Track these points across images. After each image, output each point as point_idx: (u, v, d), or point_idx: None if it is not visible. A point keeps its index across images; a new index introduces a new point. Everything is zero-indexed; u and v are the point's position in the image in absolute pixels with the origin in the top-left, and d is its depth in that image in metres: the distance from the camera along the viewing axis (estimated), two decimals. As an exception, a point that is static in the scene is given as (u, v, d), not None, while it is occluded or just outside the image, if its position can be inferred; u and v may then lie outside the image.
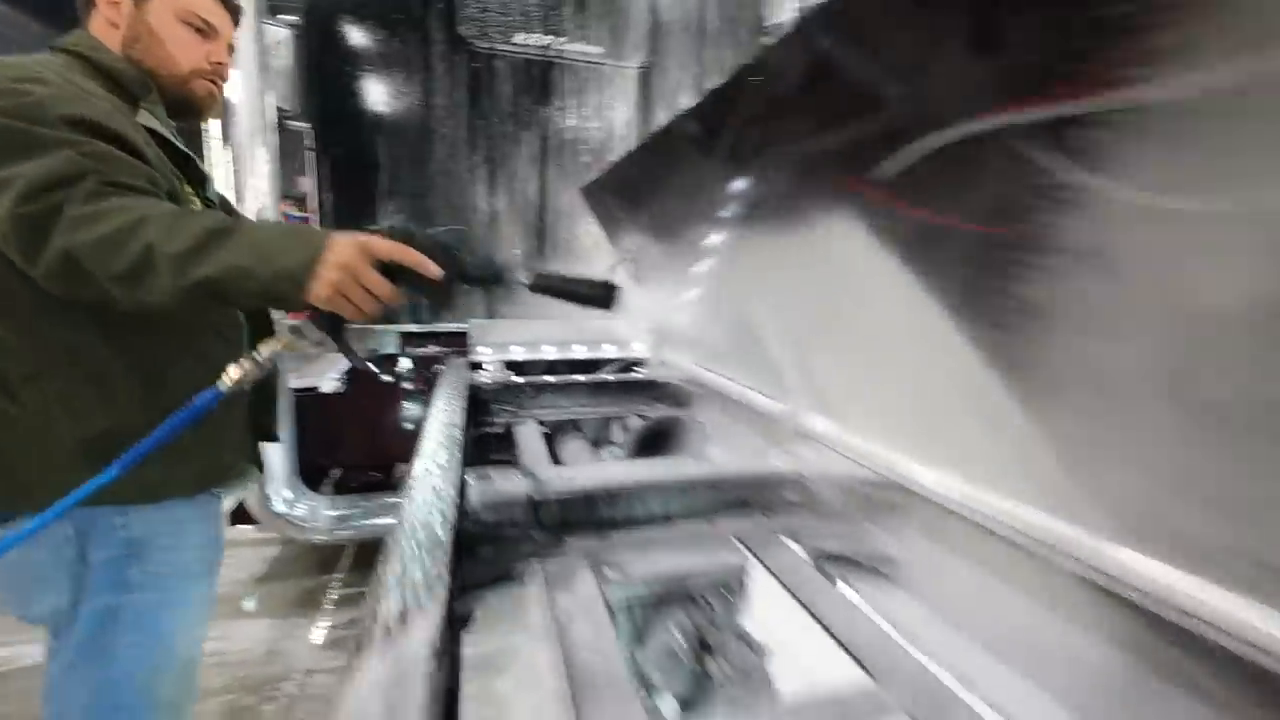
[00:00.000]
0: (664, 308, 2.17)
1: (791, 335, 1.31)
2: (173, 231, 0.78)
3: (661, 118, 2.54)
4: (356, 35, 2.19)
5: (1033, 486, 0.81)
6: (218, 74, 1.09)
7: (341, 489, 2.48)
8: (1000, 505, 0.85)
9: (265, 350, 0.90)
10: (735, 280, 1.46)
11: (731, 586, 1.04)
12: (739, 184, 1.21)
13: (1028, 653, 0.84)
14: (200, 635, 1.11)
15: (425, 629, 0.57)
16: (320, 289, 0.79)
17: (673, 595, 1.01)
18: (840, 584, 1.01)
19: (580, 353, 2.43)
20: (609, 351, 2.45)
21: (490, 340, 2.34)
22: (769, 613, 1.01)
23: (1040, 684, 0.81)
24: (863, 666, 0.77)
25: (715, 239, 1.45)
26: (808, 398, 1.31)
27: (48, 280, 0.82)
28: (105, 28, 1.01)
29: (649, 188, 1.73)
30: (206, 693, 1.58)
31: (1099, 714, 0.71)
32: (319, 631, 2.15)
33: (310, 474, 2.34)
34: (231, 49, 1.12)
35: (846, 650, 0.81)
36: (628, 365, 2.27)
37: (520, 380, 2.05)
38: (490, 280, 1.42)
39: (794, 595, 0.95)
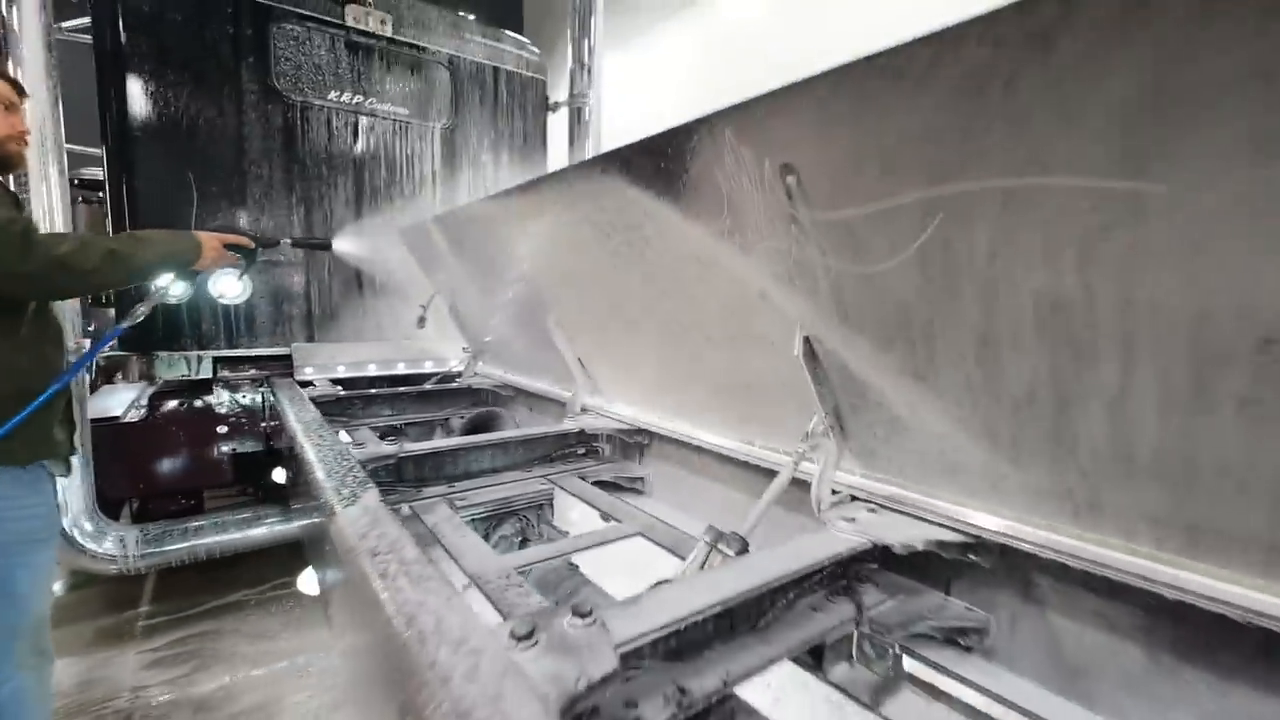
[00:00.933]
0: (476, 329, 2.61)
1: (573, 343, 1.89)
2: (119, 240, 1.37)
3: (465, 173, 3.00)
4: (162, 69, 2.27)
5: (722, 420, 1.47)
6: (22, 138, 1.41)
7: (142, 518, 2.42)
8: (705, 435, 1.51)
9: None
10: (532, 306, 1.99)
11: (542, 505, 1.56)
12: (531, 239, 1.75)
13: (721, 509, 1.51)
14: (49, 595, 1.29)
15: (374, 495, 1.00)
16: (206, 256, 1.55)
17: (503, 513, 1.49)
18: (611, 495, 1.59)
19: (402, 369, 2.75)
20: (429, 366, 2.81)
21: (314, 361, 2.55)
22: (567, 514, 1.55)
23: (715, 519, 1.48)
24: (614, 518, 1.36)
25: (515, 276, 1.97)
26: (585, 384, 1.89)
27: (35, 279, 1.19)
28: None
29: (465, 239, 2.18)
30: None
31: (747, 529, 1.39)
32: (137, 657, 2.12)
33: (107, 505, 2.27)
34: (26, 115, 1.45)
35: (606, 514, 1.39)
36: (447, 377, 2.65)
37: (349, 394, 2.32)
38: (271, 244, 2.03)
39: (582, 500, 1.51)
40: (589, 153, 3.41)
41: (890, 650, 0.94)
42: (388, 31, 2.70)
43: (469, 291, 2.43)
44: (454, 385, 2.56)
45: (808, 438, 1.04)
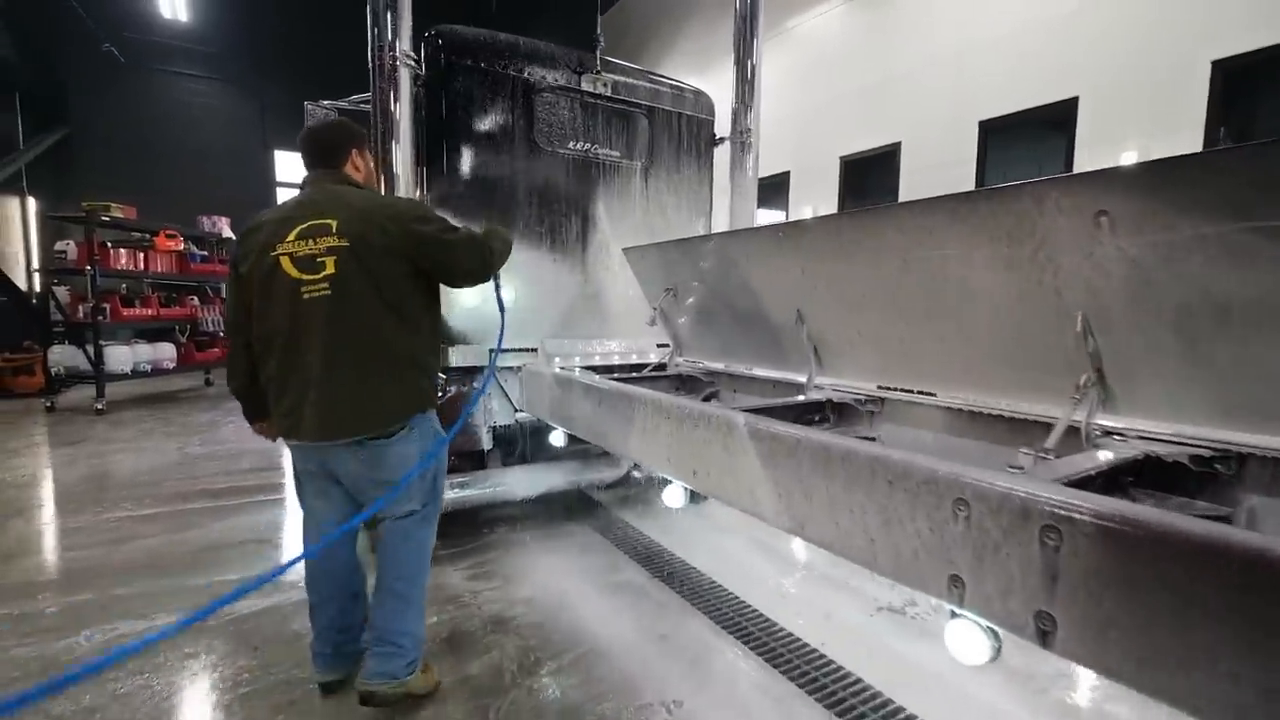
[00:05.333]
0: (683, 327, 3.13)
1: (811, 335, 2.33)
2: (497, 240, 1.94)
3: (657, 200, 3.54)
4: (468, 134, 2.92)
5: (966, 385, 1.91)
6: None
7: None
8: (948, 399, 1.95)
9: None
10: (759, 307, 2.47)
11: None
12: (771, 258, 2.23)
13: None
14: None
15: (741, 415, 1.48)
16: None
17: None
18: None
19: (617, 360, 3.31)
20: (634, 359, 3.35)
21: (560, 352, 3.13)
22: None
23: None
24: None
25: (741, 284, 2.45)
26: (816, 365, 2.35)
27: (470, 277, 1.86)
28: (353, 170, 1.83)
29: (681, 258, 2.69)
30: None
31: (1052, 444, 1.81)
32: (456, 575, 2.72)
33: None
34: None
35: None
36: (659, 366, 3.17)
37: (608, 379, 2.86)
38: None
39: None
40: (750, 177, 3.90)
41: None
42: (608, 92, 3.27)
43: (686, 298, 2.94)
44: (668, 373, 3.08)
45: (1079, 389, 1.46)
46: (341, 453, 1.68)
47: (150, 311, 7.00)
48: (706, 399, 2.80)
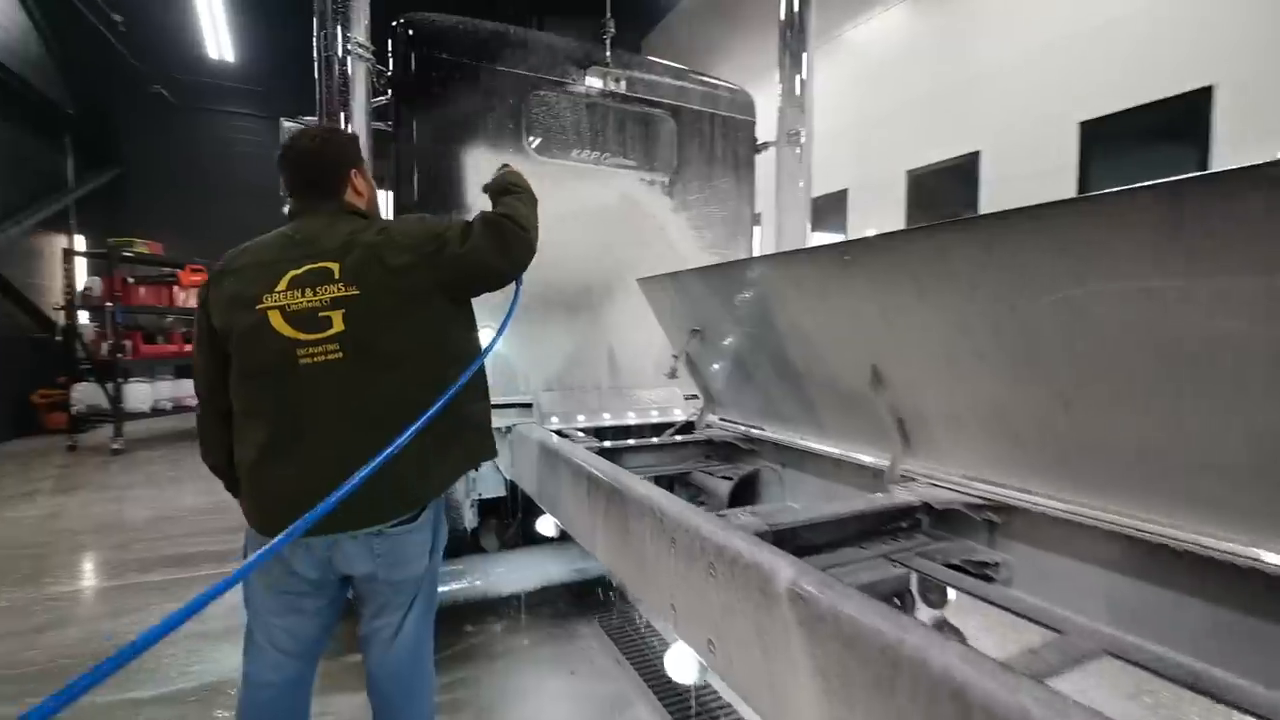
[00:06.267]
0: (716, 377, 2.49)
1: (895, 403, 1.65)
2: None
3: (691, 223, 2.95)
4: (440, 150, 2.43)
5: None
6: None
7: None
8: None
9: None
10: (821, 360, 1.81)
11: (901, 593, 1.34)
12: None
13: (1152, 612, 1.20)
14: None
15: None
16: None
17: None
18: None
19: (633, 419, 2.69)
20: (654, 415, 2.73)
21: (559, 410, 2.54)
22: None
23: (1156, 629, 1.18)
24: (1057, 630, 1.10)
25: (793, 327, 1.80)
26: (903, 449, 1.65)
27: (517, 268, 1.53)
28: (354, 197, 1.50)
29: (711, 291, 2.08)
30: None
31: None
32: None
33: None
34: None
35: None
36: (685, 427, 2.53)
37: (611, 446, 2.24)
38: None
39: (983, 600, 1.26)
40: (802, 187, 3.26)
41: None
42: (621, 89, 2.74)
43: (719, 342, 2.31)
44: (695, 436, 2.44)
45: None
46: (353, 547, 1.35)
47: (173, 347, 6.96)
48: (745, 481, 2.13)
